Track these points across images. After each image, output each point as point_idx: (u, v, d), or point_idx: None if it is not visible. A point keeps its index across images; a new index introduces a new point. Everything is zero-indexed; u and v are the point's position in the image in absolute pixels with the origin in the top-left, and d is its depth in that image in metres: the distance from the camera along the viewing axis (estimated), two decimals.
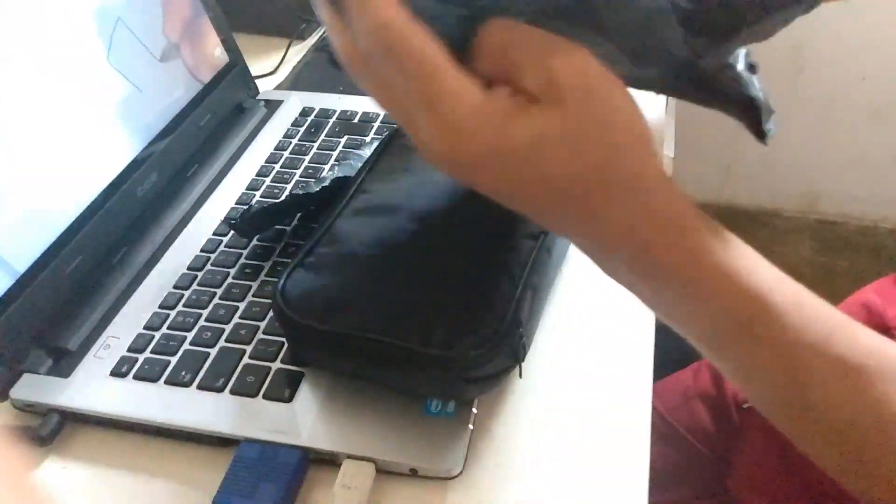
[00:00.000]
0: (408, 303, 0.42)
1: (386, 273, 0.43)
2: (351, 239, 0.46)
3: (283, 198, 0.54)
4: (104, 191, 0.52)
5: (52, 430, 0.43)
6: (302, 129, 0.66)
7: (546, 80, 0.27)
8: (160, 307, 0.49)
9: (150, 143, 0.57)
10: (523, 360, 0.42)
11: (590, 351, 0.48)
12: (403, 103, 0.29)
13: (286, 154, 0.63)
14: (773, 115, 0.37)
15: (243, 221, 0.52)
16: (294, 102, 0.70)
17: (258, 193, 0.59)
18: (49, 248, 0.47)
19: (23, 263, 0.45)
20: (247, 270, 0.51)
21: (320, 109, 0.69)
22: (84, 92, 0.51)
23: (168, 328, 0.47)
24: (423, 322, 0.41)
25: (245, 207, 0.56)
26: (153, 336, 0.47)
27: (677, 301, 0.31)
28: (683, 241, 0.29)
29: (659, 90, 0.36)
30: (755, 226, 1.76)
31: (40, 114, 0.47)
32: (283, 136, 0.65)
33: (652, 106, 0.73)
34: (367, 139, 0.65)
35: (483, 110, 0.27)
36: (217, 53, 0.66)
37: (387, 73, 0.28)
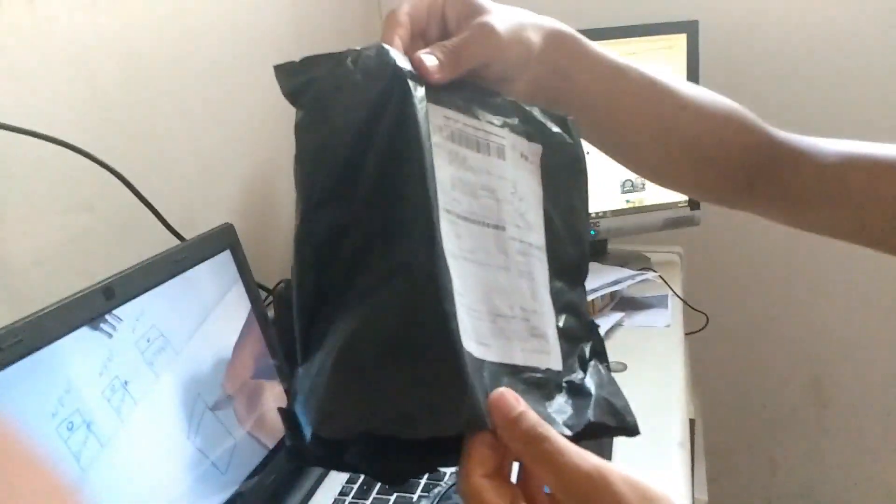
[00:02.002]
0: None
1: None
2: None
3: None
4: None
5: None
6: (356, 487, 0.72)
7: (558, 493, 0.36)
8: None
9: (229, 499, 0.63)
10: None
11: None
12: None
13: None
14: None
15: None
16: None
17: None
18: None
19: None
20: None
21: None
22: (168, 470, 0.59)
23: None
24: None
25: None
26: None
27: None
28: None
29: None
30: None
31: (142, 485, 0.55)
32: (339, 494, 0.71)
33: (675, 465, 0.78)
34: (414, 497, 0.70)
35: None
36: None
37: None
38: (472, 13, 0.49)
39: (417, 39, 0.48)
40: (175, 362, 0.60)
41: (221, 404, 0.67)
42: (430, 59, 0.44)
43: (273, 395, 0.74)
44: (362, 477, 0.74)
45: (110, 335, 0.54)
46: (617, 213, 1.27)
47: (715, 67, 1.36)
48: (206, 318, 0.65)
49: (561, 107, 0.58)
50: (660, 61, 1.26)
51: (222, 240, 0.70)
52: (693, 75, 1.27)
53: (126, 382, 0.54)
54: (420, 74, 0.42)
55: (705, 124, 0.60)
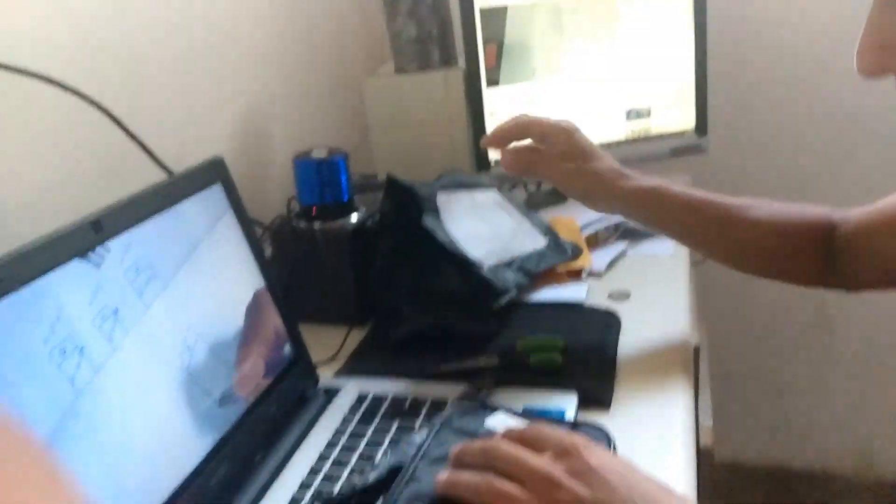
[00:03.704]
0: None
1: None
2: None
3: (342, 489, 0.59)
4: (182, 484, 0.57)
5: None
6: (357, 416, 0.73)
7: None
8: None
9: (224, 436, 0.63)
10: None
11: None
12: None
13: (343, 440, 0.69)
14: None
15: None
16: (350, 389, 0.77)
17: (318, 479, 0.64)
18: None
19: None
20: None
21: (374, 395, 0.76)
22: (165, 399, 0.59)
23: None
24: None
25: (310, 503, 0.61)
26: None
27: None
28: None
29: None
30: (810, 488, 1.70)
31: (136, 415, 0.55)
32: (341, 423, 0.72)
33: (680, 386, 0.78)
34: (416, 426, 0.70)
35: None
36: (286, 351, 0.75)
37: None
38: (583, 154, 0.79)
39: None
40: (164, 293, 0.60)
41: (248, 376, 0.67)
42: (506, 160, 0.81)
43: (273, 327, 0.74)
44: (363, 406, 0.74)
45: (98, 266, 0.54)
46: (622, 142, 1.25)
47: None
48: (194, 250, 0.64)
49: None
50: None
51: (212, 173, 0.69)
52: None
53: (116, 310, 0.55)
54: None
55: (775, 231, 0.76)
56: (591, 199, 0.78)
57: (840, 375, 1.65)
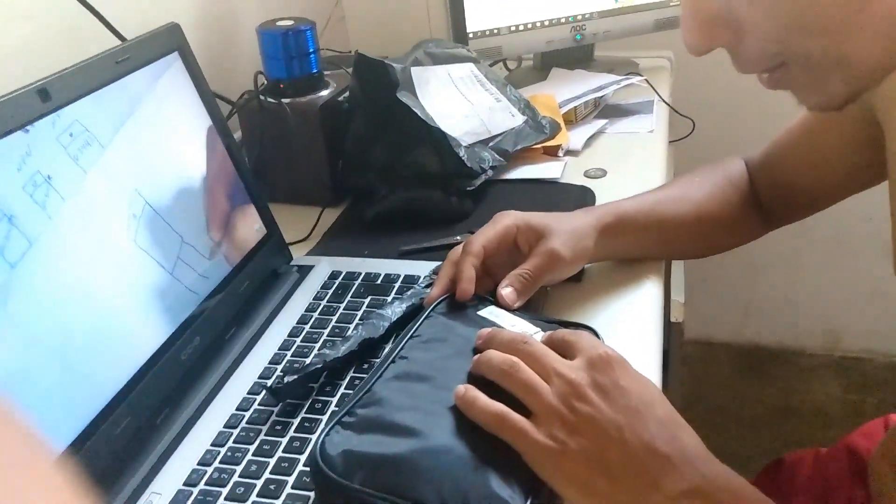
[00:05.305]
0: (445, 472, 0.46)
1: (424, 441, 0.47)
2: (389, 403, 0.50)
3: (314, 360, 0.59)
4: (152, 357, 0.58)
5: None
6: (330, 292, 0.73)
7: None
8: (199, 464, 0.53)
9: (194, 311, 0.63)
10: None
11: None
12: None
13: (315, 315, 0.70)
14: None
15: (280, 389, 0.57)
16: (324, 267, 0.77)
17: (289, 353, 0.65)
18: (101, 413, 0.52)
19: (76, 428, 0.50)
20: (277, 427, 0.56)
21: (347, 272, 0.76)
22: (117, 271, 0.58)
23: (205, 484, 0.52)
24: (459, 491, 0.45)
25: (280, 374, 0.61)
26: (192, 492, 0.51)
27: None
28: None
29: None
30: (779, 364, 1.76)
31: (91, 288, 0.54)
32: (314, 299, 0.72)
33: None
34: (388, 299, 0.71)
35: None
36: (256, 228, 0.74)
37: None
38: (539, 238, 0.63)
39: (488, 263, 0.63)
40: (103, 158, 0.57)
41: (214, 252, 0.66)
42: (509, 293, 0.61)
43: (234, 201, 0.72)
44: (336, 282, 0.74)
45: (26, 130, 0.50)
46: (605, 13, 1.20)
47: None
48: (136, 108, 0.60)
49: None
50: None
51: (168, 40, 0.65)
52: None
53: (49, 177, 0.51)
54: (503, 305, 0.60)
55: (714, 212, 0.76)
56: (579, 261, 0.67)
57: (812, 254, 1.68)
